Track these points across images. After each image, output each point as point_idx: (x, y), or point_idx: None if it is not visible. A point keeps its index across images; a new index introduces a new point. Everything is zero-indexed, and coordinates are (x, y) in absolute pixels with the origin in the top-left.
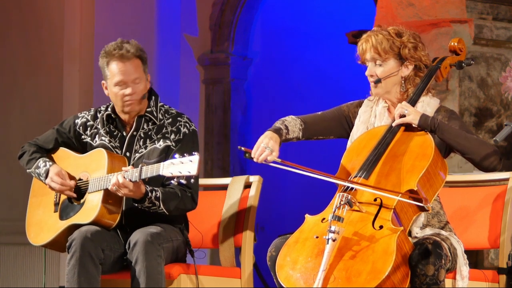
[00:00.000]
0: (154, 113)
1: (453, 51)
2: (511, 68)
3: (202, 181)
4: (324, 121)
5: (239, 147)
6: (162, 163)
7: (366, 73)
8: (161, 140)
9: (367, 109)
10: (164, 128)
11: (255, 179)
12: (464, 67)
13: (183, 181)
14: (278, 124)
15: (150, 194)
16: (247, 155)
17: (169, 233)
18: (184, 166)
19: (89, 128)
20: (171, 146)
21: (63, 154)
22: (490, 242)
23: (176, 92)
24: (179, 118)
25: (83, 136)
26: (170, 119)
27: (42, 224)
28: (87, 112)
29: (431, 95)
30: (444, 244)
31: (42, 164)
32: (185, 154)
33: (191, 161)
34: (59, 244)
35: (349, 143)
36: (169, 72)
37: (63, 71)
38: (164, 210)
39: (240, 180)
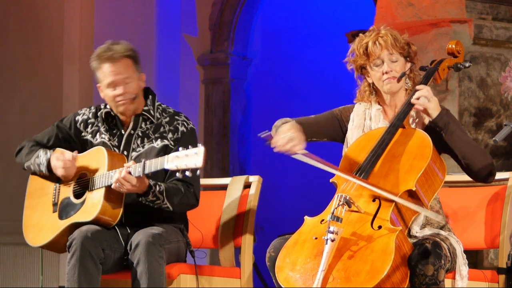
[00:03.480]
0: (151, 111)
1: (451, 54)
2: (510, 68)
3: (202, 181)
4: (318, 124)
5: (259, 134)
6: (166, 156)
7: (386, 69)
8: (159, 139)
9: (360, 112)
10: (162, 127)
11: (254, 179)
12: (462, 69)
13: (188, 174)
14: (283, 120)
15: (153, 187)
16: (268, 142)
17: (170, 234)
18: (189, 158)
19: (89, 126)
20: (170, 145)
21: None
22: (489, 242)
23: (176, 92)
24: (176, 117)
25: (83, 133)
26: (168, 118)
27: (41, 225)
28: (88, 110)
29: None
30: (443, 244)
31: (42, 153)
32: (189, 146)
33: (196, 153)
34: (59, 244)
35: (344, 148)
36: (169, 72)
37: (62, 71)
38: (168, 205)
39: (240, 180)
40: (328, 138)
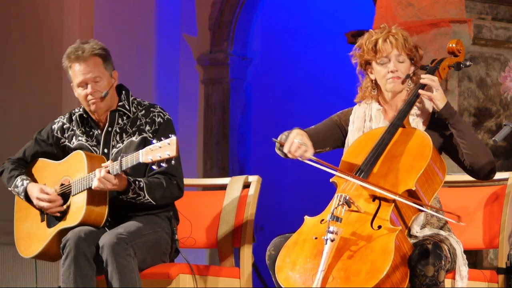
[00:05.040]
0: (127, 106)
1: (451, 53)
2: (510, 68)
3: (201, 181)
4: (319, 134)
5: (273, 139)
6: (140, 151)
7: (392, 68)
8: (137, 133)
9: (360, 114)
10: (139, 121)
11: (254, 179)
12: (462, 68)
13: (163, 165)
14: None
15: (133, 184)
16: (280, 148)
17: (143, 228)
18: (162, 149)
19: (66, 131)
20: (148, 138)
21: (42, 164)
22: (489, 242)
23: (176, 92)
24: (152, 109)
25: (62, 140)
26: (144, 111)
27: (31, 235)
28: (63, 116)
29: None
30: (443, 244)
31: (19, 183)
32: (162, 138)
33: (169, 144)
34: (51, 252)
35: (345, 149)
36: (169, 72)
37: (62, 71)
38: (150, 199)
39: (239, 180)
40: (330, 147)
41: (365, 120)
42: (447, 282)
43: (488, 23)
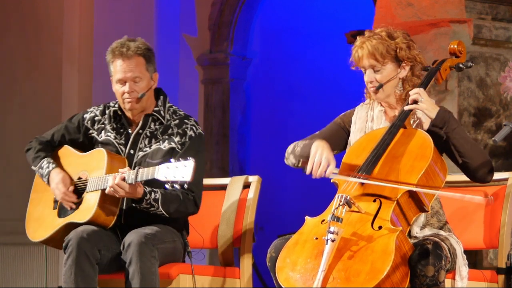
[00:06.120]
0: (162, 112)
1: (453, 54)
2: (510, 68)
3: None
4: (327, 140)
5: (291, 160)
6: (158, 167)
7: (366, 79)
8: (166, 141)
9: (362, 114)
10: (170, 129)
11: (254, 179)
12: (464, 69)
13: (177, 186)
14: (302, 142)
15: (148, 195)
16: (304, 170)
17: (165, 234)
18: (178, 171)
19: (96, 123)
20: (176, 149)
21: (66, 152)
22: (489, 242)
23: (175, 92)
24: (186, 120)
25: (90, 131)
26: (177, 121)
27: (41, 220)
28: (97, 107)
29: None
30: (443, 244)
31: (45, 165)
32: (180, 159)
33: (186, 166)
34: (56, 241)
35: (347, 149)
36: (168, 72)
37: (62, 71)
38: (164, 212)
39: (239, 180)
40: (338, 150)
41: (366, 121)
42: (447, 282)
43: (488, 23)
